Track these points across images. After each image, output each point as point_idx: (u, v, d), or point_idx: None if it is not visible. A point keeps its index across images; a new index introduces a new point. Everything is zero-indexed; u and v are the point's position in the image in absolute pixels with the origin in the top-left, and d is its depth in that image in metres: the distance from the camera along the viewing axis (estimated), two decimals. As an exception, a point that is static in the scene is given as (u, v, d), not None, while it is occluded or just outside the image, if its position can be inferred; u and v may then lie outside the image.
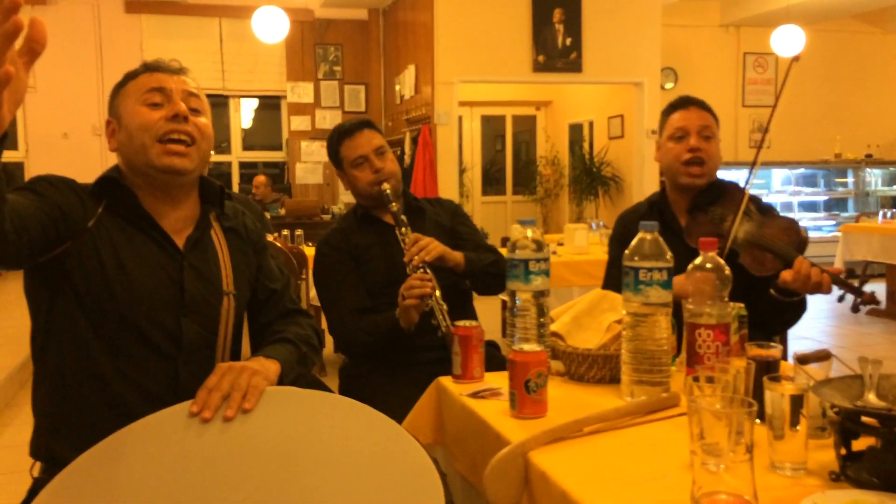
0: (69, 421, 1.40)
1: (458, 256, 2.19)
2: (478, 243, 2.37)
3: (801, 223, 2.17)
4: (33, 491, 1.41)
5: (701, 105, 2.18)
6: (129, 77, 1.50)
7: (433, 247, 2.11)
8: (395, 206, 2.21)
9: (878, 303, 1.88)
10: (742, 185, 2.20)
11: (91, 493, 1.15)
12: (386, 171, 2.25)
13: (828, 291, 1.87)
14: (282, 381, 1.41)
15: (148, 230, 1.45)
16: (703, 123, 2.14)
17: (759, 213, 2.12)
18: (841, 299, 1.90)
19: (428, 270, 2.08)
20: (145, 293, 1.41)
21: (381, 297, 2.21)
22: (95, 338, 1.39)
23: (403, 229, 2.19)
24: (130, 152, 1.45)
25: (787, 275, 1.89)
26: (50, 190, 1.36)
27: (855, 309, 1.88)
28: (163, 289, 1.43)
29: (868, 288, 1.86)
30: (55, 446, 1.40)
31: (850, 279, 1.88)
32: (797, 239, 2.02)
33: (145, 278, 1.42)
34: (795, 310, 2.03)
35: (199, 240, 1.50)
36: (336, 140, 2.30)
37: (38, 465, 1.45)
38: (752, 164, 2.14)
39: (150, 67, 1.50)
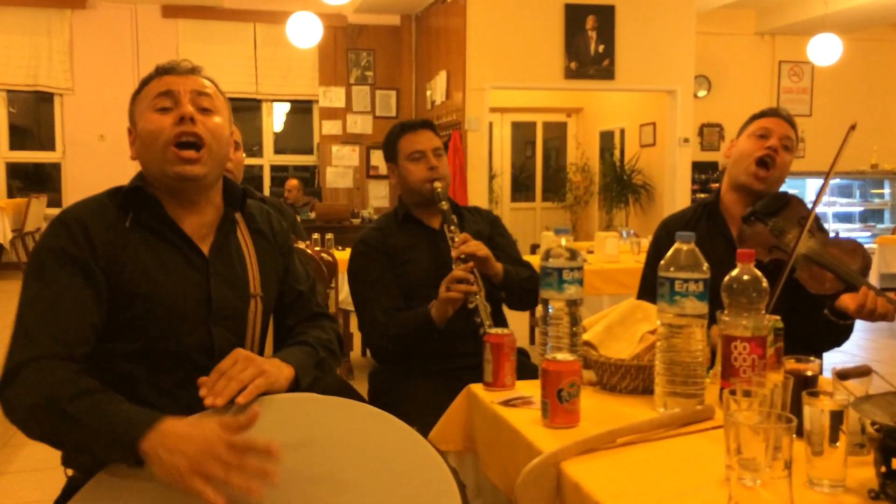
0: None
1: (498, 266, 2.20)
2: (513, 256, 2.38)
3: (835, 234, 2.15)
4: (67, 489, 1.42)
5: (789, 119, 2.17)
6: (144, 83, 1.47)
7: (481, 246, 2.14)
8: (445, 205, 2.24)
9: None
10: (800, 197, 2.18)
11: (115, 499, 1.17)
12: (440, 172, 2.29)
13: (892, 321, 1.84)
14: (296, 385, 1.38)
15: (173, 239, 1.43)
16: (787, 133, 2.13)
17: (820, 231, 2.08)
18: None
19: (474, 270, 2.10)
20: (175, 306, 1.39)
21: (415, 299, 2.22)
22: (127, 353, 1.37)
23: (452, 227, 2.21)
24: (146, 161, 1.43)
25: (849, 302, 1.86)
26: (72, 271, 1.33)
27: None
28: (191, 299, 1.42)
29: None
30: (85, 460, 1.38)
31: None
32: (862, 263, 1.98)
33: (173, 290, 1.40)
34: (845, 332, 2.00)
35: (223, 244, 1.48)
36: (397, 133, 2.33)
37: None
38: (822, 184, 2.10)
39: (160, 71, 1.46)
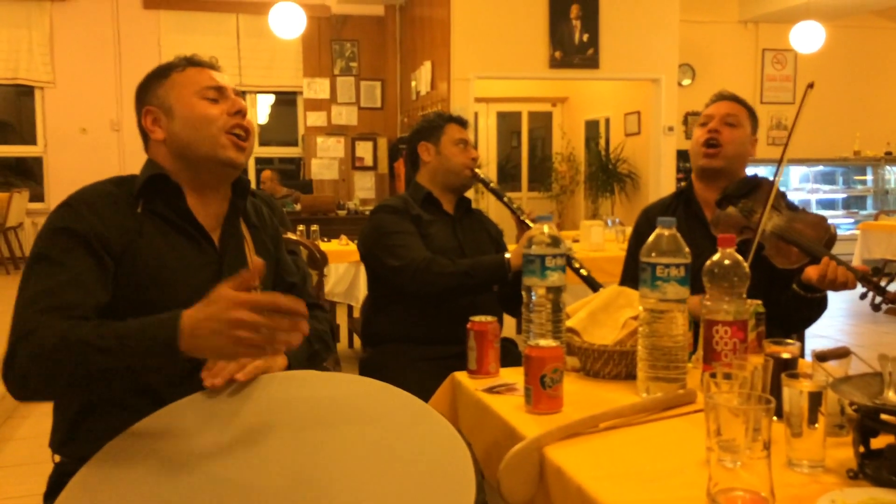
0: (96, 422, 1.37)
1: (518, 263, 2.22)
2: None
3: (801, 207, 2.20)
4: (55, 476, 1.42)
5: (733, 98, 2.26)
6: (170, 68, 1.51)
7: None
8: (493, 184, 2.45)
9: None
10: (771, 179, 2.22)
11: (112, 483, 1.16)
12: (478, 162, 2.48)
13: (853, 288, 1.89)
14: None
15: (187, 229, 1.45)
16: (729, 111, 2.20)
17: (788, 209, 2.13)
18: (864, 297, 1.90)
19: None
20: (187, 295, 1.35)
21: None
22: None
23: (507, 197, 2.40)
24: (191, 142, 1.45)
25: (812, 273, 1.91)
26: (81, 247, 1.33)
27: (876, 308, 1.88)
28: (204, 289, 1.39)
29: (893, 287, 1.85)
30: (77, 446, 1.37)
31: (876, 277, 1.87)
32: (825, 235, 2.04)
33: (186, 281, 1.41)
34: (817, 306, 2.04)
35: (231, 236, 1.52)
36: (446, 119, 2.48)
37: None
38: (779, 161, 2.16)
39: (195, 63, 1.52)
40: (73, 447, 1.39)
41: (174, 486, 1.12)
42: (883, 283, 1.85)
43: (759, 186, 2.17)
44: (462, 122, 2.49)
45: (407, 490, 1.09)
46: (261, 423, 1.22)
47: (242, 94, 9.43)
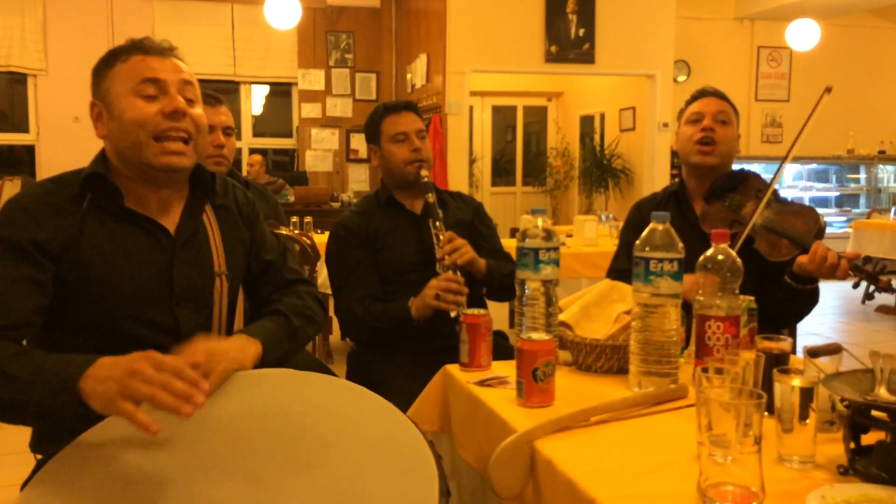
0: (67, 425, 1.31)
1: (482, 263, 2.19)
2: (496, 248, 2.37)
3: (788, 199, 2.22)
4: (37, 470, 1.41)
5: (719, 94, 2.25)
6: (115, 56, 1.40)
7: (466, 250, 2.12)
8: (431, 198, 2.21)
9: (893, 290, 1.90)
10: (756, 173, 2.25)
11: (80, 478, 1.15)
12: (424, 154, 2.26)
13: (843, 277, 1.89)
14: (265, 361, 1.37)
15: (133, 220, 1.40)
16: (719, 109, 2.20)
17: (777, 202, 2.15)
18: (856, 286, 1.92)
19: (458, 272, 2.09)
20: (136, 291, 1.37)
21: (394, 283, 2.21)
22: (91, 340, 1.35)
23: (438, 223, 2.18)
24: (124, 147, 1.38)
25: (803, 258, 1.92)
26: (16, 255, 1.30)
27: (869, 296, 1.90)
28: (152, 282, 1.39)
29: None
30: (55, 447, 1.34)
31: (867, 265, 1.89)
32: (815, 226, 2.07)
33: (134, 275, 1.37)
34: (808, 299, 2.04)
35: (188, 224, 1.46)
36: (380, 114, 2.30)
37: None
38: (783, 158, 2.17)
39: (139, 48, 1.40)
40: (51, 447, 1.38)
41: (127, 496, 1.11)
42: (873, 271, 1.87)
43: (745, 180, 2.20)
44: (397, 109, 2.29)
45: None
46: (227, 420, 1.21)
47: (236, 84, 9.35)
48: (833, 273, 1.88)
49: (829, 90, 2.04)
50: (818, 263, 1.88)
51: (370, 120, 2.35)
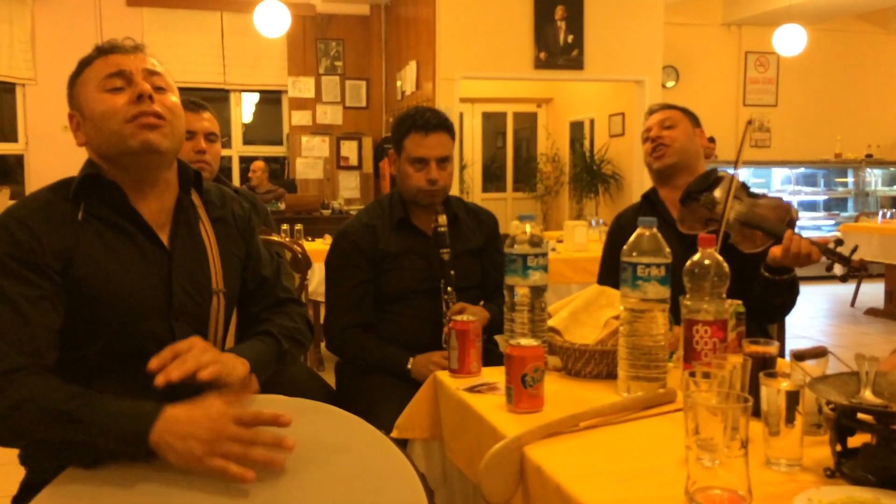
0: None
1: (486, 320, 2.13)
2: (498, 282, 2.31)
3: (800, 221, 2.25)
4: (24, 487, 1.40)
5: (664, 107, 2.38)
6: (84, 64, 1.38)
7: (475, 319, 2.07)
8: (445, 255, 2.14)
9: (866, 270, 1.94)
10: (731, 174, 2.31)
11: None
12: (440, 184, 2.17)
13: (817, 260, 1.94)
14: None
15: (130, 230, 1.35)
16: (662, 118, 2.32)
17: (749, 196, 2.22)
18: (829, 269, 1.96)
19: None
20: (133, 304, 1.32)
21: (393, 306, 2.19)
22: (87, 354, 1.31)
23: (450, 288, 2.12)
24: (101, 142, 1.34)
25: (776, 249, 1.97)
26: (22, 274, 1.26)
27: (843, 279, 1.94)
28: (151, 295, 1.35)
29: (865, 281, 1.90)
30: (41, 462, 1.35)
31: (839, 248, 1.93)
32: (787, 216, 2.12)
33: (131, 287, 1.33)
34: (788, 290, 2.07)
35: (184, 234, 1.42)
36: (407, 127, 2.19)
37: None
38: (738, 151, 2.28)
39: (103, 50, 1.38)
40: (38, 462, 1.37)
41: None
42: (845, 253, 1.91)
43: (719, 180, 2.25)
44: (426, 129, 2.15)
45: None
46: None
47: (226, 92, 9.31)
48: (808, 260, 1.93)
49: (750, 122, 2.17)
50: (793, 255, 1.93)
51: (396, 129, 2.23)
